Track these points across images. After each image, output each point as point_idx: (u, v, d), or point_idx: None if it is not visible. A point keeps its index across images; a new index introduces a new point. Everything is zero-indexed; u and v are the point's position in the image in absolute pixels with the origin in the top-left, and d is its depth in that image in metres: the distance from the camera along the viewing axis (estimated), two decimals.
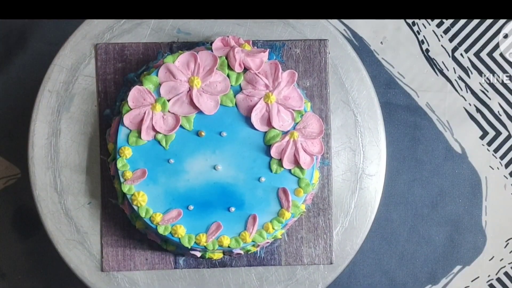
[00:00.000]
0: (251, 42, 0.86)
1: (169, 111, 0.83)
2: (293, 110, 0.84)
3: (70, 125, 0.87)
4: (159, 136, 0.83)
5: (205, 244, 0.83)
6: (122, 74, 0.88)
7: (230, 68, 0.84)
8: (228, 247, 0.83)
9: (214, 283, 0.88)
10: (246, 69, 0.84)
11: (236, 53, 0.83)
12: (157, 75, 0.83)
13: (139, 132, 0.83)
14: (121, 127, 0.83)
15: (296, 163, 0.84)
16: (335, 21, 0.96)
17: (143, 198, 0.82)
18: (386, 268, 0.97)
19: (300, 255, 0.88)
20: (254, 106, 0.83)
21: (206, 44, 0.87)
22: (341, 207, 0.89)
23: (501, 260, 0.97)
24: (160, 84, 0.83)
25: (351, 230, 0.89)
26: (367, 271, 0.97)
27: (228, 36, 0.84)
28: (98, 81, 0.88)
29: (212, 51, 0.84)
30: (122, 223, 0.87)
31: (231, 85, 0.84)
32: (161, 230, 0.83)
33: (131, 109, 0.83)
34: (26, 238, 0.97)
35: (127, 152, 0.83)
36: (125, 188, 0.83)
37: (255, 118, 0.83)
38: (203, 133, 0.83)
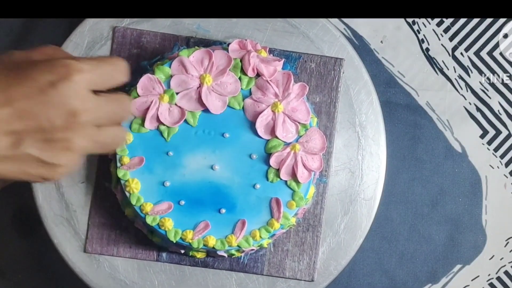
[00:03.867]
0: (267, 49, 0.86)
1: (176, 104, 0.83)
2: (299, 122, 0.84)
3: None
4: (162, 127, 0.83)
5: (190, 241, 0.82)
6: (135, 61, 0.88)
7: (243, 71, 0.84)
8: (213, 248, 0.83)
9: (194, 281, 0.88)
10: (258, 75, 0.84)
11: (251, 57, 0.83)
12: (169, 67, 0.83)
13: (143, 120, 0.83)
14: None
15: (293, 175, 0.84)
16: (335, 20, 0.96)
17: (136, 186, 0.82)
18: (386, 267, 0.96)
19: (283, 268, 0.88)
20: (261, 112, 0.83)
21: (223, 44, 0.87)
22: (331, 226, 0.89)
23: (501, 259, 0.97)
24: (171, 76, 0.83)
25: (337, 250, 0.88)
26: (367, 270, 0.97)
27: (246, 40, 0.85)
28: None
29: (228, 51, 0.84)
30: (112, 208, 0.87)
31: (241, 88, 0.84)
32: (149, 220, 0.82)
33: (138, 96, 0.83)
34: (26, 237, 0.97)
35: (128, 137, 0.83)
36: (120, 173, 0.83)
37: (260, 124, 0.83)
38: (206, 131, 0.83)
